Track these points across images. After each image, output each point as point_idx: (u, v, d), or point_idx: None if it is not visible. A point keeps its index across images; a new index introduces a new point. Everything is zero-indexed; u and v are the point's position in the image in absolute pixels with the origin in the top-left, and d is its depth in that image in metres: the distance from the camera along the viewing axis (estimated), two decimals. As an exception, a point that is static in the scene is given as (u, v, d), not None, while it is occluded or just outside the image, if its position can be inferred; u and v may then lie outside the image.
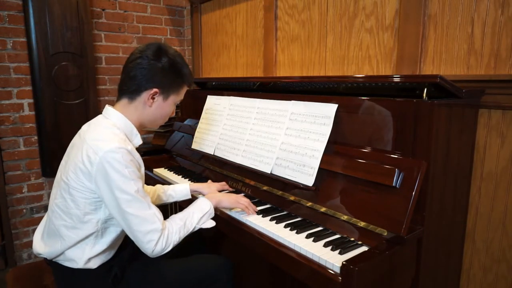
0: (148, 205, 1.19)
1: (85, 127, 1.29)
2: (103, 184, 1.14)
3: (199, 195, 1.65)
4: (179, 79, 1.31)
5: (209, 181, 1.76)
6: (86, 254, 1.23)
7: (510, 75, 1.33)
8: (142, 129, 1.36)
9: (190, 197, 1.66)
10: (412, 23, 1.59)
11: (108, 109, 1.28)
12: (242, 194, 1.65)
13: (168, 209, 2.63)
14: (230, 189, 1.72)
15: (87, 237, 1.22)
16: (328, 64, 2.01)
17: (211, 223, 1.36)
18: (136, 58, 1.24)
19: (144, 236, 1.17)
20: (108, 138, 1.16)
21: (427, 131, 1.14)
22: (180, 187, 1.67)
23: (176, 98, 1.34)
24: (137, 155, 1.24)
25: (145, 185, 1.71)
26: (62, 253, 1.23)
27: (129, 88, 1.26)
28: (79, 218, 1.20)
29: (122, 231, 1.28)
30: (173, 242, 1.23)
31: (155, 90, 1.26)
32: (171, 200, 1.66)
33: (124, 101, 1.28)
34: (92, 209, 1.20)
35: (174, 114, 1.37)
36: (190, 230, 1.30)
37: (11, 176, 2.55)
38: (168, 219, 1.28)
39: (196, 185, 1.69)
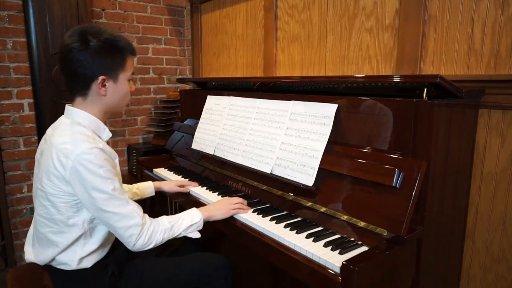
0: (126, 202, 1.19)
1: (49, 130, 1.25)
2: (78, 186, 1.13)
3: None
4: (118, 55, 1.22)
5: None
6: (77, 255, 1.22)
7: (510, 75, 1.33)
8: (110, 113, 1.33)
9: (154, 194, 1.77)
10: (412, 23, 1.59)
11: (69, 109, 1.24)
12: (241, 194, 1.65)
13: (168, 209, 2.63)
14: (193, 184, 1.80)
15: (76, 239, 1.21)
16: (328, 64, 2.01)
17: (196, 235, 1.36)
18: (66, 54, 1.17)
19: (125, 231, 1.18)
20: (77, 140, 1.13)
21: (427, 131, 1.14)
22: (144, 185, 1.76)
23: (126, 74, 1.26)
24: (110, 151, 1.23)
25: None
26: (54, 258, 1.22)
27: (76, 86, 1.22)
28: (64, 223, 1.19)
29: None
30: (156, 241, 1.24)
31: (101, 78, 1.20)
32: (136, 197, 1.71)
33: (79, 100, 1.24)
34: (74, 212, 1.19)
35: (134, 89, 1.33)
36: (175, 234, 1.30)
37: (11, 176, 2.55)
38: (157, 218, 1.28)
39: (158, 182, 1.80)
